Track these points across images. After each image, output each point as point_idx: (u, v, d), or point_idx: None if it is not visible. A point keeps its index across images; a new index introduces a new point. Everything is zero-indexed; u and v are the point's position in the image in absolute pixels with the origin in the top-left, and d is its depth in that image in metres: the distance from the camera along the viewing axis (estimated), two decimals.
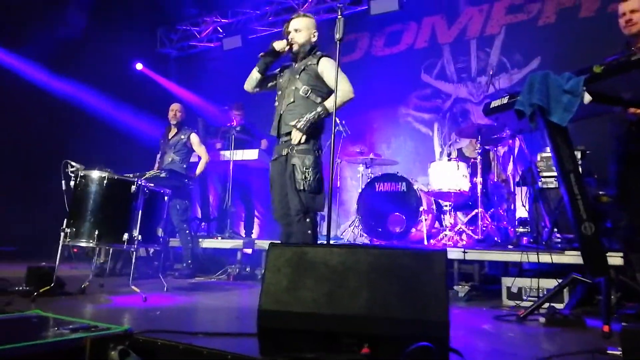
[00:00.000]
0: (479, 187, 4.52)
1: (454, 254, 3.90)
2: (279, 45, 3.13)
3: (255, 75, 3.25)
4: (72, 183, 3.39)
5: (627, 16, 2.90)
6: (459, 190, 4.58)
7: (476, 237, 4.40)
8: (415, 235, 4.73)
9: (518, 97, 2.78)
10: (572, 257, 3.42)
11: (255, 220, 6.52)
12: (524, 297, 3.36)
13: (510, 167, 4.79)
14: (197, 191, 6.59)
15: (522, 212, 4.67)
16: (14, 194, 6.22)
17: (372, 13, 6.53)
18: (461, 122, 6.21)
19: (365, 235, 4.99)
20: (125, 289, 3.47)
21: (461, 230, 4.53)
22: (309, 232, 2.97)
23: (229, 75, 7.10)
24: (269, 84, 3.32)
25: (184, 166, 5.13)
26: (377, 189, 4.95)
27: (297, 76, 3.10)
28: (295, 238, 3.00)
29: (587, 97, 2.52)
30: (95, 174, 3.38)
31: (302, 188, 2.92)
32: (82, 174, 3.37)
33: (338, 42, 2.80)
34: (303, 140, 2.98)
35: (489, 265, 4.23)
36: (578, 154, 3.82)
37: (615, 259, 3.18)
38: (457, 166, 4.65)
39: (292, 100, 3.07)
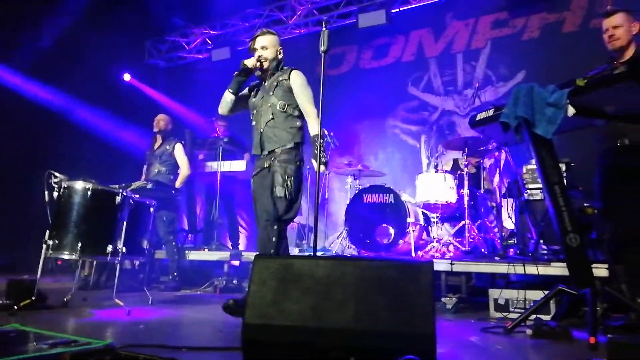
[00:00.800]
0: (466, 198, 4.54)
1: (441, 265, 3.90)
2: (251, 62, 3.17)
3: (229, 97, 3.26)
4: (55, 194, 3.34)
5: (610, 32, 2.96)
6: (446, 202, 4.60)
7: (463, 248, 4.41)
8: (403, 247, 4.73)
9: (503, 109, 2.82)
10: (558, 269, 3.44)
11: (242, 231, 6.47)
12: (511, 309, 3.36)
13: (497, 179, 4.82)
14: (184, 202, 6.54)
15: (508, 223, 4.70)
16: None
17: (360, 26, 6.58)
18: (448, 134, 6.26)
19: (353, 246, 4.97)
20: (108, 302, 3.40)
21: (448, 241, 4.54)
22: (274, 239, 2.97)
23: (218, 87, 7.02)
24: (242, 105, 3.35)
25: (171, 177, 5.09)
26: (364, 201, 4.95)
27: (271, 93, 3.15)
28: (259, 243, 3.03)
29: (571, 110, 2.56)
30: (79, 185, 3.33)
31: (281, 195, 2.96)
32: (65, 185, 3.33)
33: (323, 54, 2.82)
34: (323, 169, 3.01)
35: (476, 276, 4.23)
36: (563, 166, 3.86)
37: (600, 270, 3.21)
38: (444, 178, 4.67)
39: (270, 117, 3.11)
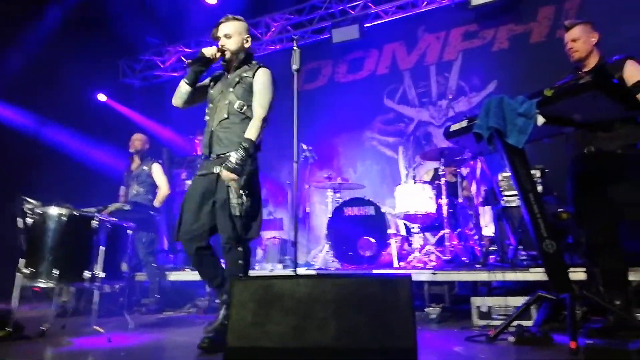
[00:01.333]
0: (445, 208, 4.60)
1: (423, 275, 3.93)
2: (209, 51, 2.84)
3: (184, 88, 2.91)
4: (29, 220, 3.27)
5: (570, 45, 3.06)
6: (426, 212, 4.64)
7: (444, 257, 4.45)
8: (385, 258, 4.75)
9: (476, 120, 2.87)
10: (537, 274, 3.50)
11: None
12: (494, 316, 3.40)
13: (474, 187, 4.90)
14: (164, 222, 6.45)
15: (488, 231, 4.76)
16: None
17: (334, 41, 6.68)
18: (424, 144, 6.35)
19: (336, 260, 4.97)
20: (88, 329, 3.32)
21: (430, 251, 4.58)
22: (240, 262, 2.68)
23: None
24: (200, 97, 3.01)
25: (150, 197, 5.02)
26: (345, 214, 4.97)
27: (231, 89, 2.83)
28: (226, 269, 2.76)
29: (541, 120, 2.63)
30: (53, 210, 3.26)
31: (238, 213, 2.63)
32: (39, 211, 3.26)
33: (295, 72, 2.83)
34: (235, 182, 2.67)
35: (458, 285, 4.28)
36: (537, 173, 3.95)
37: (578, 274, 3.27)
38: (423, 188, 4.72)
39: (225, 116, 2.79)
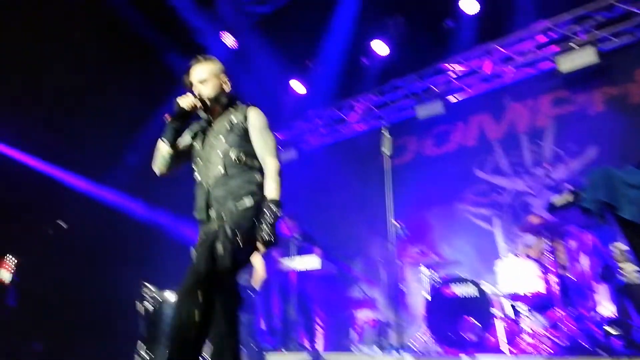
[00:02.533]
0: (554, 286, 4.26)
1: None
2: (185, 101, 2.44)
3: (165, 150, 2.49)
4: (147, 305, 3.53)
5: None
6: (534, 290, 4.32)
7: (560, 343, 4.05)
8: (491, 342, 4.42)
9: (581, 192, 2.75)
10: None
11: (320, 330, 6.37)
12: None
13: (586, 262, 4.51)
14: (261, 303, 6.60)
15: (606, 310, 4.30)
16: (86, 321, 6.39)
17: (419, 118, 6.78)
18: (523, 216, 6.04)
19: (437, 344, 4.72)
20: None
21: (541, 333, 4.20)
22: (194, 318, 2.23)
23: (287, 188, 7.43)
24: (185, 157, 2.60)
25: (247, 277, 5.21)
26: (444, 293, 4.77)
27: (222, 137, 2.45)
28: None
29: None
30: (168, 296, 3.51)
31: (221, 252, 2.25)
32: (157, 297, 3.52)
33: (386, 157, 2.89)
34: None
35: None
36: None
37: None
38: (527, 264, 4.45)
39: (222, 170, 2.39)
